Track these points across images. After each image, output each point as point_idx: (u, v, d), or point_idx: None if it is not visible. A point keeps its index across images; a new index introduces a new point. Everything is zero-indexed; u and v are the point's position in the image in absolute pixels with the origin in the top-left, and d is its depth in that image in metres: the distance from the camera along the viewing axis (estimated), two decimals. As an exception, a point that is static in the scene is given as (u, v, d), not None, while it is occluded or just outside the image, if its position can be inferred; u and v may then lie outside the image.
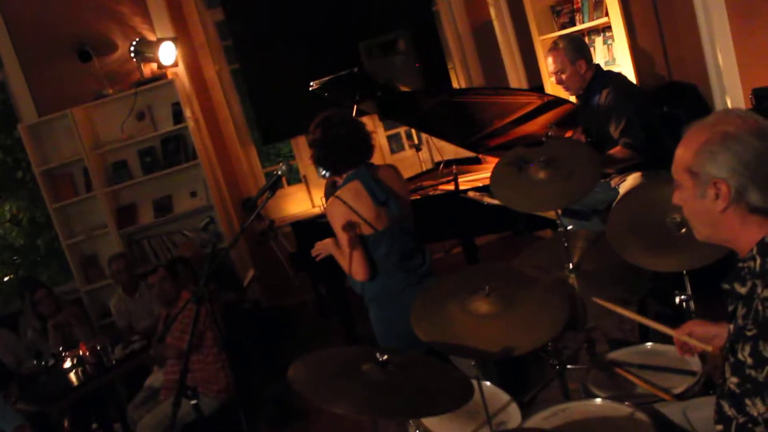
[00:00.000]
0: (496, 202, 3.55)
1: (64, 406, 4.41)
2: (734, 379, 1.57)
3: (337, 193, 2.98)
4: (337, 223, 2.94)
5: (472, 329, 2.21)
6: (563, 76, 3.77)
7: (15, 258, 7.79)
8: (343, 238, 2.94)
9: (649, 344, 2.56)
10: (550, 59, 3.80)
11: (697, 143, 1.58)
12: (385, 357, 1.83)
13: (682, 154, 1.62)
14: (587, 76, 3.73)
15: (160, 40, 5.92)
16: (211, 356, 4.09)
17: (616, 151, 3.58)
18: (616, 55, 4.78)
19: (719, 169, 1.54)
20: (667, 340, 2.53)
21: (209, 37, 6.48)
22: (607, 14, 4.68)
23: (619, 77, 3.79)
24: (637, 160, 3.58)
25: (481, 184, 4.23)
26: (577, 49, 3.70)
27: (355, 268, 2.97)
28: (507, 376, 3.49)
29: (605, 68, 4.00)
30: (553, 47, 3.78)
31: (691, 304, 2.50)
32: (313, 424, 4.30)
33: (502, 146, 4.64)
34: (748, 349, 1.51)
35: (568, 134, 4.02)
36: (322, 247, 3.10)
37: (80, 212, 6.25)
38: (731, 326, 1.62)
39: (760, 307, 1.50)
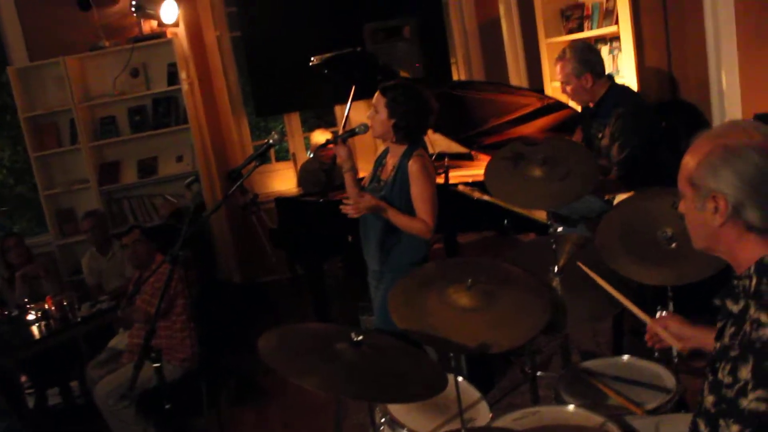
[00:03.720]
0: (485, 197, 3.51)
1: (23, 357, 4.32)
2: (711, 398, 1.53)
3: (420, 153, 3.08)
4: (430, 176, 3.05)
5: (449, 321, 2.16)
6: (568, 88, 3.62)
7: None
8: (431, 191, 3.04)
9: (624, 357, 2.53)
10: (557, 67, 3.67)
11: (700, 154, 1.53)
12: (360, 337, 1.78)
13: (687, 163, 1.57)
14: (596, 90, 3.51)
15: (162, -2, 5.82)
16: (178, 323, 4.01)
17: (610, 182, 3.46)
18: (620, 67, 4.74)
19: (719, 183, 1.49)
20: (642, 354, 2.52)
21: (213, 0, 6.36)
22: (616, 23, 4.63)
23: (633, 98, 3.59)
24: (628, 190, 3.49)
25: (471, 180, 4.17)
26: (584, 61, 3.48)
27: (432, 222, 3.03)
28: (475, 373, 3.46)
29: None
30: (561, 56, 3.60)
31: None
32: (275, 403, 4.25)
33: (496, 145, 4.59)
34: (728, 368, 1.48)
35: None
36: (366, 205, 3.02)
37: (62, 164, 6.14)
38: (717, 344, 1.58)
39: (748, 328, 1.46)
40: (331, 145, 3.20)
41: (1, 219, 7.80)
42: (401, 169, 3.07)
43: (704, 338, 1.88)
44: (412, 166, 3.02)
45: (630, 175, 3.39)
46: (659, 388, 2.28)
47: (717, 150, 1.50)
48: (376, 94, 3.10)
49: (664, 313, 2.45)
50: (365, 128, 3.13)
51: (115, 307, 4.44)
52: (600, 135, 3.51)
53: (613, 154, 3.42)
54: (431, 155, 4.99)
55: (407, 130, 3.06)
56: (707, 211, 1.53)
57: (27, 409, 4.42)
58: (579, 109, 4.15)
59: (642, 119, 3.49)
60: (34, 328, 4.34)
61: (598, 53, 3.61)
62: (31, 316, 4.44)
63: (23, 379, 4.64)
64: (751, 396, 1.39)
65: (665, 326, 1.98)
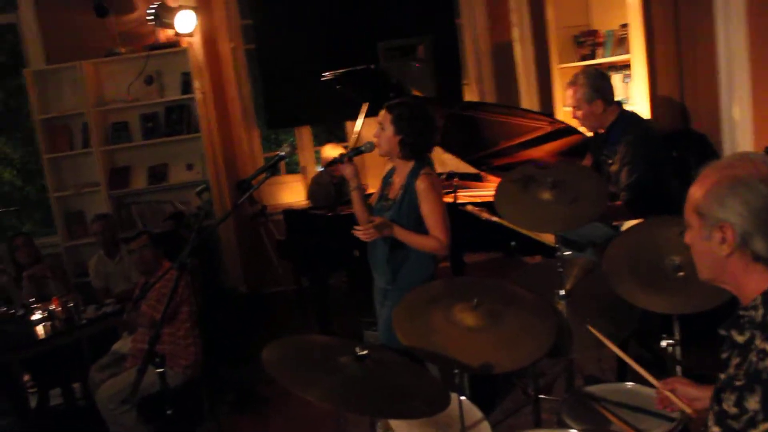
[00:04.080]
0: (494, 218, 3.51)
1: (27, 356, 4.32)
2: (716, 429, 1.53)
3: (427, 171, 3.08)
4: (439, 193, 3.07)
5: (453, 339, 2.17)
6: (578, 113, 3.61)
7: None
8: (442, 207, 3.06)
9: (629, 384, 2.52)
10: (569, 92, 3.68)
11: (707, 184, 1.54)
12: (365, 351, 1.78)
13: (694, 193, 1.58)
14: (606, 117, 3.55)
15: (180, 7, 5.88)
16: (182, 330, 4.01)
17: (617, 208, 3.47)
18: (631, 94, 4.76)
19: (726, 213, 1.50)
20: (647, 382, 2.51)
21: (230, 12, 6.42)
22: (629, 52, 4.66)
23: (642, 125, 3.62)
24: (635, 217, 3.49)
25: (479, 201, 4.18)
26: (595, 88, 3.52)
27: (446, 238, 3.04)
28: (478, 393, 3.45)
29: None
30: (573, 81, 3.62)
31: (677, 350, 2.46)
32: (276, 413, 4.23)
33: (505, 167, 4.60)
34: (733, 399, 1.48)
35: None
36: (378, 226, 2.99)
37: (73, 167, 6.19)
38: (722, 375, 1.58)
39: (754, 359, 1.46)
40: (339, 164, 3.20)
41: (9, 219, 7.82)
42: (409, 189, 3.08)
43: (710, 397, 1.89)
44: (420, 184, 3.03)
45: (638, 201, 3.40)
46: (663, 416, 2.26)
47: (725, 180, 1.51)
48: (382, 112, 3.13)
49: (669, 341, 2.47)
50: (371, 146, 3.14)
51: (120, 311, 4.45)
52: (610, 161, 3.53)
53: (621, 179, 3.43)
54: (440, 174, 5.03)
55: (413, 146, 3.07)
56: (714, 241, 1.53)
57: (29, 408, 4.42)
58: (589, 134, 4.17)
59: (651, 146, 3.51)
60: (39, 328, 4.35)
61: (609, 80, 3.64)
62: (36, 316, 4.44)
63: (26, 378, 4.64)
64: (761, 428, 1.39)
65: (673, 389, 1.98)
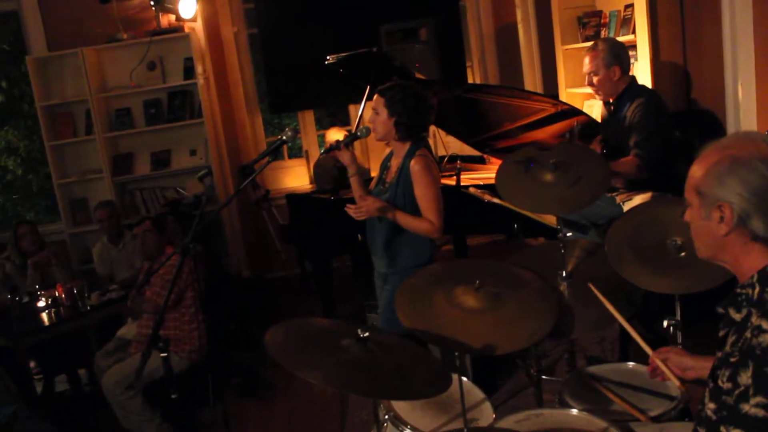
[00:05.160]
0: (496, 200, 3.52)
1: (32, 343, 4.35)
2: (712, 405, 1.54)
3: (422, 153, 3.06)
4: (433, 175, 3.04)
5: (455, 321, 2.17)
6: (595, 79, 3.70)
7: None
8: (435, 190, 3.03)
9: (630, 363, 2.53)
10: (586, 59, 3.74)
11: (707, 164, 1.55)
12: (366, 334, 1.79)
13: (694, 172, 1.59)
14: (620, 84, 3.66)
15: (181, -8, 5.86)
16: (187, 315, 4.03)
17: (626, 160, 3.53)
18: (637, 74, 4.73)
19: (725, 193, 1.51)
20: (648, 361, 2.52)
21: (232, -3, 6.40)
22: (633, 32, 4.62)
23: (653, 92, 3.74)
24: (643, 176, 3.52)
25: (482, 183, 4.18)
26: (615, 54, 3.64)
27: (438, 221, 3.02)
28: (480, 374, 3.47)
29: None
30: (592, 48, 3.72)
31: (678, 330, 2.46)
32: (280, 399, 4.26)
33: (508, 149, 4.59)
34: (727, 375, 1.48)
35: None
36: (370, 207, 3.03)
37: (76, 153, 6.19)
38: (719, 353, 1.59)
39: (749, 335, 1.47)
40: (336, 151, 3.17)
41: (15, 207, 7.84)
42: (404, 170, 3.08)
43: (705, 368, 1.89)
44: (414, 166, 3.03)
45: (649, 158, 3.47)
46: (664, 395, 2.27)
47: (724, 160, 1.51)
48: (375, 97, 3.13)
49: (671, 322, 2.47)
50: (367, 131, 3.14)
51: (124, 297, 4.48)
52: (620, 130, 3.58)
53: (631, 140, 3.51)
54: (444, 157, 5.02)
55: (408, 126, 3.07)
56: (713, 220, 1.54)
57: (35, 395, 4.45)
58: (593, 115, 4.16)
59: (660, 110, 3.61)
60: (44, 315, 4.38)
61: (627, 51, 3.73)
62: (41, 303, 4.48)
63: (32, 365, 4.68)
64: (752, 401, 1.40)
65: (666, 359, 1.99)
